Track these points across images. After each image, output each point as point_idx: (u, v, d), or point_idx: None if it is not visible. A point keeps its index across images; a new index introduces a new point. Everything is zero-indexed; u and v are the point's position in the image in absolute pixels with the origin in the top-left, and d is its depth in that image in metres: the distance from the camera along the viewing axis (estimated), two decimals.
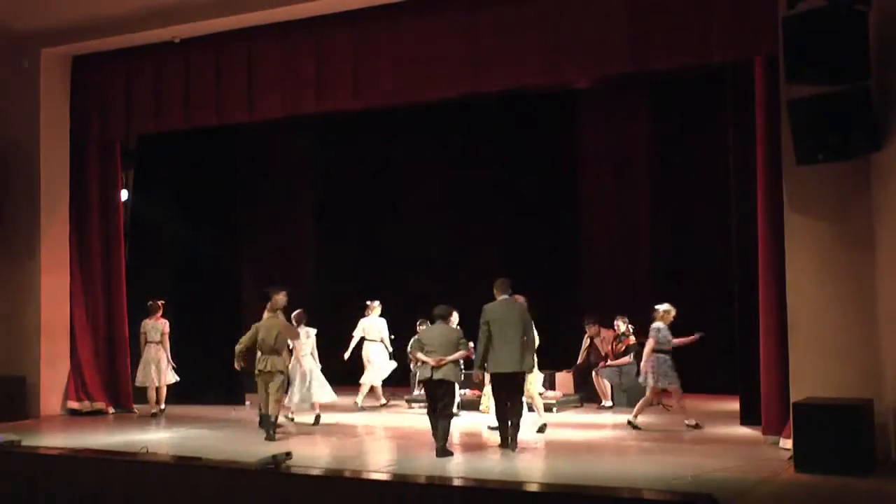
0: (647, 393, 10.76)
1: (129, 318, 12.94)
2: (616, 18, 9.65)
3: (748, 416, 10.17)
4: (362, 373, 12.90)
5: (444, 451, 8.90)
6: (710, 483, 7.05)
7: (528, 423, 9.85)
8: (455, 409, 9.97)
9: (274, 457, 7.80)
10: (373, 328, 12.98)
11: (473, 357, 9.82)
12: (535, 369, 10.22)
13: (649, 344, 10.68)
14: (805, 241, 8.54)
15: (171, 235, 14.06)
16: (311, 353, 11.43)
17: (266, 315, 10.53)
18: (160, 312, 12.49)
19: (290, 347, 11.08)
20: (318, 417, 11.29)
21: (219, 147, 13.90)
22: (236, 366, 10.59)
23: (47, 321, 12.42)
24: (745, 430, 10.03)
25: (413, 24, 10.65)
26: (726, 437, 9.87)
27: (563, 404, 12.33)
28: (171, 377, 12.49)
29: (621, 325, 12.68)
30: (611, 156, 15.23)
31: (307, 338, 11.39)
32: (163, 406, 12.50)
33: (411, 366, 13.25)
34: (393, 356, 13.11)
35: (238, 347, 10.47)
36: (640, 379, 10.97)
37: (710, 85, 11.71)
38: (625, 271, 14.89)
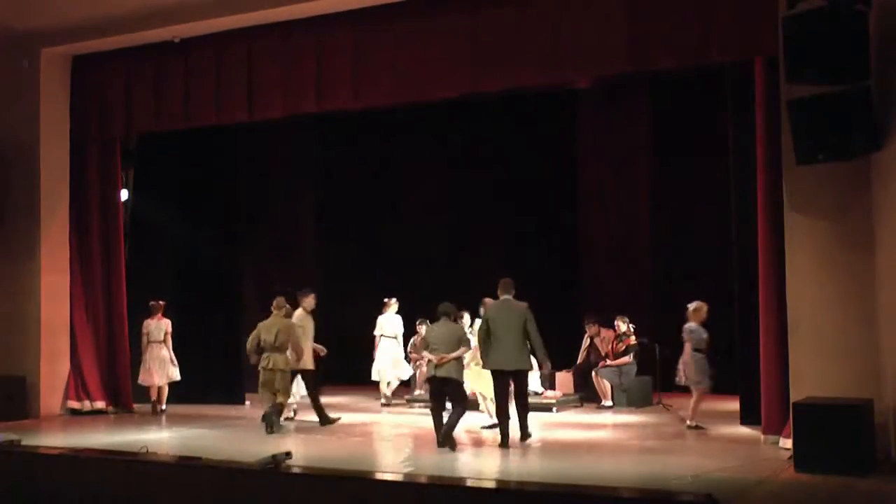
0: (695, 394, 10.45)
1: (129, 317, 12.95)
2: (616, 18, 9.65)
3: (748, 416, 10.17)
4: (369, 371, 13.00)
5: (447, 441, 9.06)
6: (710, 483, 7.05)
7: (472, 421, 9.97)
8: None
9: (274, 457, 7.80)
10: (389, 325, 13.08)
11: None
12: (481, 368, 10.10)
13: (687, 348, 10.34)
14: (805, 241, 8.54)
15: (171, 235, 14.07)
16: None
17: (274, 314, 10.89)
18: (161, 312, 12.61)
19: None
20: (294, 412, 11.66)
21: (219, 147, 13.91)
22: (252, 361, 10.91)
23: (47, 321, 12.42)
24: (745, 430, 10.03)
25: (413, 24, 10.65)
26: (726, 437, 9.87)
27: (562, 404, 12.34)
28: (175, 375, 12.62)
29: (622, 325, 12.69)
30: (611, 156, 15.22)
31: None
32: (164, 406, 12.59)
33: (411, 365, 13.29)
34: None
35: (248, 347, 10.88)
36: (678, 380, 10.64)
37: (710, 85, 11.71)
38: (625, 271, 14.89)
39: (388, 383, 13.10)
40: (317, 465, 8.00)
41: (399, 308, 13.26)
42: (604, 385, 12.57)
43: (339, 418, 11.12)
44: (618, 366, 12.51)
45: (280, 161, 15.79)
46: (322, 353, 11.53)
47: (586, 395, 12.85)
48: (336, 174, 16.32)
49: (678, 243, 14.43)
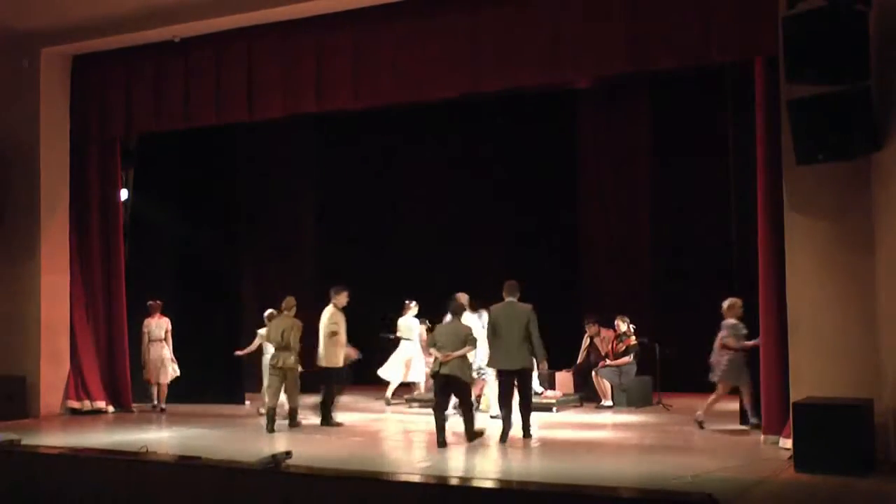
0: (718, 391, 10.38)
1: (128, 317, 12.98)
2: (616, 18, 9.65)
3: (748, 416, 10.16)
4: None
5: (470, 435, 9.47)
6: (710, 483, 7.04)
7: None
8: (452, 409, 10.12)
9: (274, 456, 7.80)
10: (408, 327, 13.12)
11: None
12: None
13: (730, 342, 10.15)
14: (805, 241, 8.54)
15: (170, 235, 14.08)
16: None
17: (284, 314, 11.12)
18: (160, 311, 12.80)
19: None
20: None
21: (219, 147, 13.90)
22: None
23: (47, 321, 12.43)
24: (745, 430, 10.02)
25: (413, 24, 10.65)
26: (726, 437, 9.87)
27: (562, 404, 12.34)
28: (174, 372, 12.80)
29: (622, 325, 12.69)
30: (611, 156, 15.23)
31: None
32: (163, 405, 12.70)
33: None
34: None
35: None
36: (711, 376, 10.46)
37: (710, 85, 11.71)
38: (625, 271, 14.89)
39: (389, 384, 13.12)
40: (317, 465, 7.99)
41: (382, 310, 13.27)
42: (604, 385, 12.57)
43: (341, 424, 11.11)
44: (618, 366, 12.51)
45: (280, 161, 15.79)
46: (354, 357, 11.56)
47: (586, 394, 12.85)
48: (336, 174, 16.31)
49: (678, 243, 14.43)
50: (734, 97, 10.44)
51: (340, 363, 11.17)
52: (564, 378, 13.09)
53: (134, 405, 12.79)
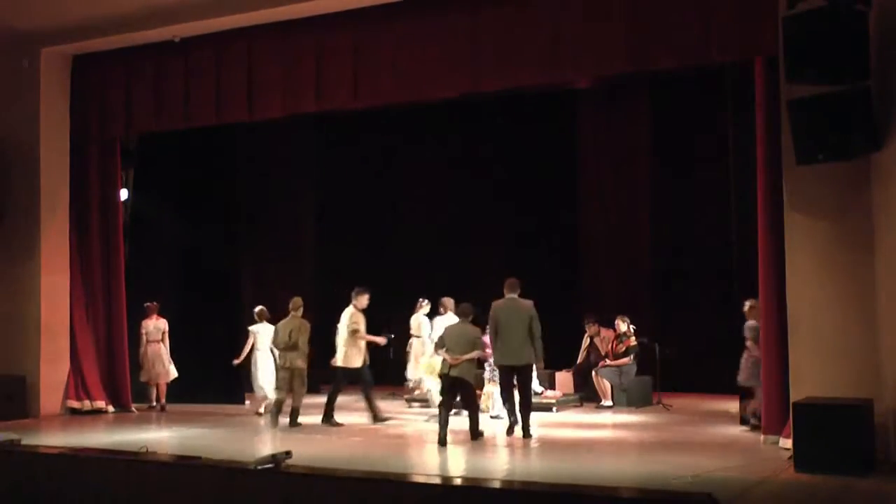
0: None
1: (128, 317, 12.99)
2: (616, 18, 9.64)
3: (748, 418, 10.16)
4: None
5: (475, 435, 9.64)
6: (710, 483, 7.04)
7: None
8: (455, 409, 10.23)
9: (273, 456, 7.79)
10: (419, 325, 13.24)
11: (490, 358, 10.74)
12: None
13: (749, 344, 10.00)
14: (805, 241, 8.54)
15: (171, 235, 14.07)
16: (270, 349, 12.00)
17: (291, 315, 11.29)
18: (157, 312, 12.93)
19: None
20: (260, 413, 11.98)
21: (219, 147, 13.91)
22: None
23: (47, 321, 12.42)
24: (746, 430, 10.02)
25: (413, 24, 10.65)
26: (726, 437, 9.87)
27: (562, 404, 12.34)
28: (173, 373, 12.91)
29: (622, 326, 12.68)
30: (611, 156, 15.23)
31: (266, 335, 12.03)
32: (163, 401, 12.85)
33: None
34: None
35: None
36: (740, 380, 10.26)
37: (710, 85, 11.71)
38: (625, 271, 14.90)
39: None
40: (317, 465, 7.99)
41: (381, 309, 13.25)
42: (604, 385, 12.56)
43: (342, 425, 11.11)
44: (618, 366, 12.51)
45: (280, 161, 15.80)
46: (382, 343, 11.84)
47: (586, 394, 12.85)
48: (336, 174, 16.32)
49: (678, 243, 14.43)
50: (734, 97, 10.44)
51: (358, 364, 11.17)
52: (564, 378, 13.09)
53: (134, 405, 12.79)
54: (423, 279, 14.58)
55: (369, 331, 11.36)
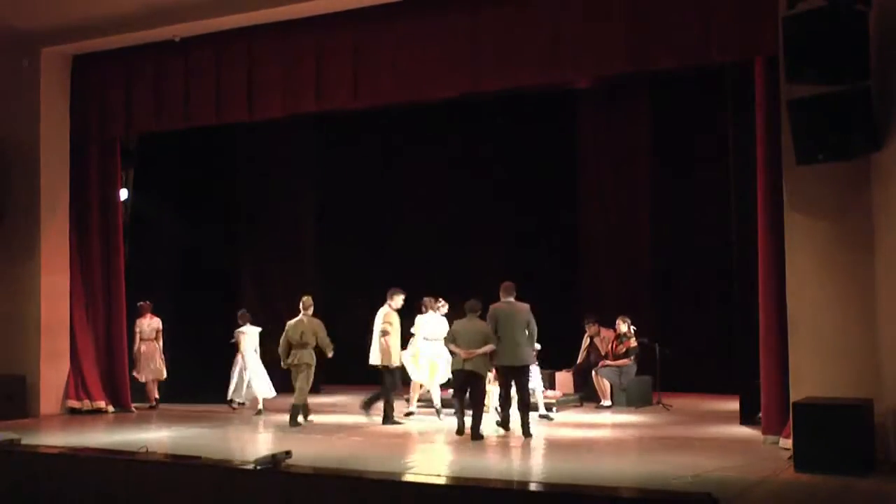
0: None
1: (128, 317, 13.02)
2: (616, 18, 9.64)
3: (748, 416, 10.17)
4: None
5: (476, 436, 9.75)
6: (710, 483, 7.04)
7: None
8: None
9: (273, 456, 7.80)
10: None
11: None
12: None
13: None
14: (805, 241, 8.54)
15: (171, 235, 14.08)
16: (255, 350, 12.45)
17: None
18: (150, 311, 13.11)
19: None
20: (259, 412, 12.22)
21: (219, 147, 13.91)
22: (283, 364, 11.42)
23: (47, 320, 12.43)
24: (745, 430, 10.03)
25: (413, 24, 10.65)
26: (726, 437, 9.87)
27: (562, 404, 12.34)
28: (163, 372, 13.13)
29: (622, 326, 12.67)
30: (611, 156, 15.22)
31: (251, 336, 12.49)
32: (157, 396, 13.09)
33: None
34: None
35: (280, 349, 11.39)
36: None
37: (710, 85, 11.71)
38: (624, 271, 14.88)
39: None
40: (317, 465, 7.99)
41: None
42: (603, 385, 12.56)
43: (402, 423, 11.17)
44: (617, 366, 12.51)
45: (280, 161, 15.78)
46: None
47: (586, 394, 12.85)
48: (336, 174, 16.31)
49: (678, 243, 14.43)
50: (734, 97, 10.44)
51: (396, 362, 11.25)
52: (564, 378, 13.08)
53: (134, 405, 12.80)
54: (423, 279, 14.56)
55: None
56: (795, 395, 8.28)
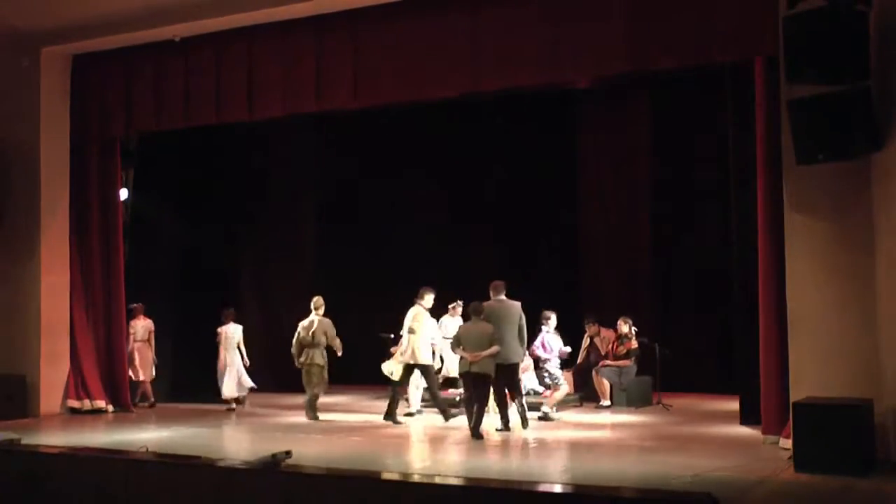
0: None
1: (128, 317, 13.01)
2: (616, 18, 9.65)
3: (748, 416, 10.16)
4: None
5: (476, 434, 9.85)
6: (710, 483, 7.05)
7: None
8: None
9: (274, 455, 7.80)
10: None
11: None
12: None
13: None
14: (805, 241, 8.54)
15: (171, 235, 14.08)
16: (238, 347, 12.74)
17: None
18: (142, 313, 13.24)
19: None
20: (235, 403, 12.70)
21: (219, 146, 13.92)
22: (296, 364, 11.70)
23: (47, 320, 12.43)
24: (745, 430, 10.03)
25: (413, 24, 10.65)
26: (726, 437, 9.87)
27: (562, 404, 12.32)
28: (153, 372, 13.28)
29: (624, 327, 12.67)
30: (611, 156, 15.23)
31: (234, 333, 12.77)
32: (142, 398, 13.20)
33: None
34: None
35: (293, 350, 11.68)
36: None
37: (710, 85, 11.71)
38: (624, 271, 14.89)
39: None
40: (317, 465, 7.99)
41: (380, 310, 13.31)
42: (603, 385, 12.56)
43: (454, 416, 11.14)
44: (618, 366, 12.51)
45: (280, 161, 15.79)
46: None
47: (586, 394, 12.85)
48: (336, 174, 16.31)
49: (678, 243, 14.44)
50: (734, 97, 10.43)
51: (422, 361, 11.25)
52: (564, 378, 13.05)
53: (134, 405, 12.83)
54: (423, 279, 14.56)
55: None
56: (795, 395, 8.28)
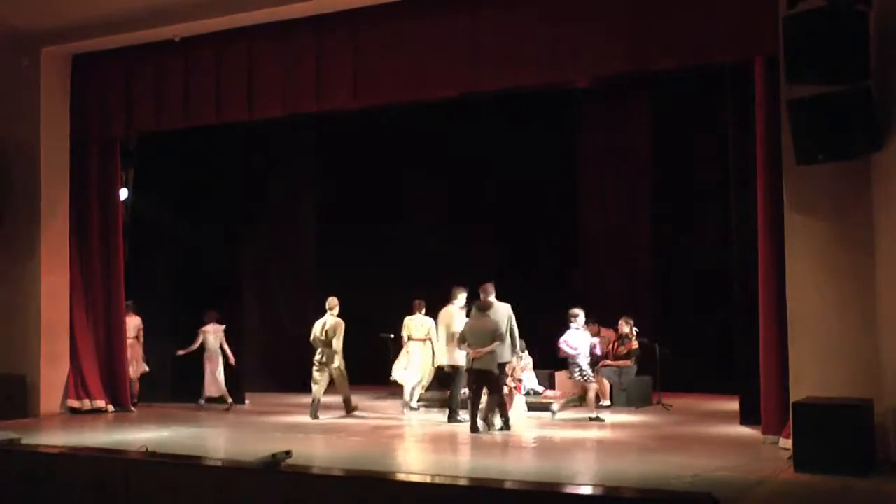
0: None
1: None
2: (616, 18, 9.65)
3: (748, 416, 10.16)
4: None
5: (487, 421, 10.15)
6: (710, 483, 7.04)
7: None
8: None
9: (274, 455, 7.80)
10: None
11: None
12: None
13: None
14: (805, 241, 8.54)
15: (171, 235, 14.08)
16: (222, 347, 12.94)
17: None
18: (132, 311, 13.21)
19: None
20: (202, 403, 12.99)
21: (219, 146, 13.90)
22: (314, 363, 11.85)
23: (47, 320, 12.43)
24: (745, 430, 10.03)
25: (413, 24, 10.65)
26: (726, 437, 9.87)
27: (562, 404, 12.32)
28: (146, 367, 13.31)
29: (625, 327, 12.67)
30: (611, 156, 15.24)
31: (215, 334, 12.98)
32: (135, 399, 13.16)
33: None
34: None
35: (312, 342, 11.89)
36: None
37: (710, 85, 11.71)
38: (624, 271, 14.90)
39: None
40: (317, 465, 7.99)
41: (381, 309, 13.34)
42: (603, 385, 12.55)
43: (459, 421, 11.06)
44: (618, 366, 12.51)
45: (280, 161, 15.79)
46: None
47: (586, 394, 12.82)
48: (336, 174, 16.31)
49: (678, 243, 14.44)
50: (734, 97, 10.44)
51: (462, 362, 11.08)
52: (564, 378, 13.07)
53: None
54: (422, 279, 14.57)
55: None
56: (795, 395, 8.28)
